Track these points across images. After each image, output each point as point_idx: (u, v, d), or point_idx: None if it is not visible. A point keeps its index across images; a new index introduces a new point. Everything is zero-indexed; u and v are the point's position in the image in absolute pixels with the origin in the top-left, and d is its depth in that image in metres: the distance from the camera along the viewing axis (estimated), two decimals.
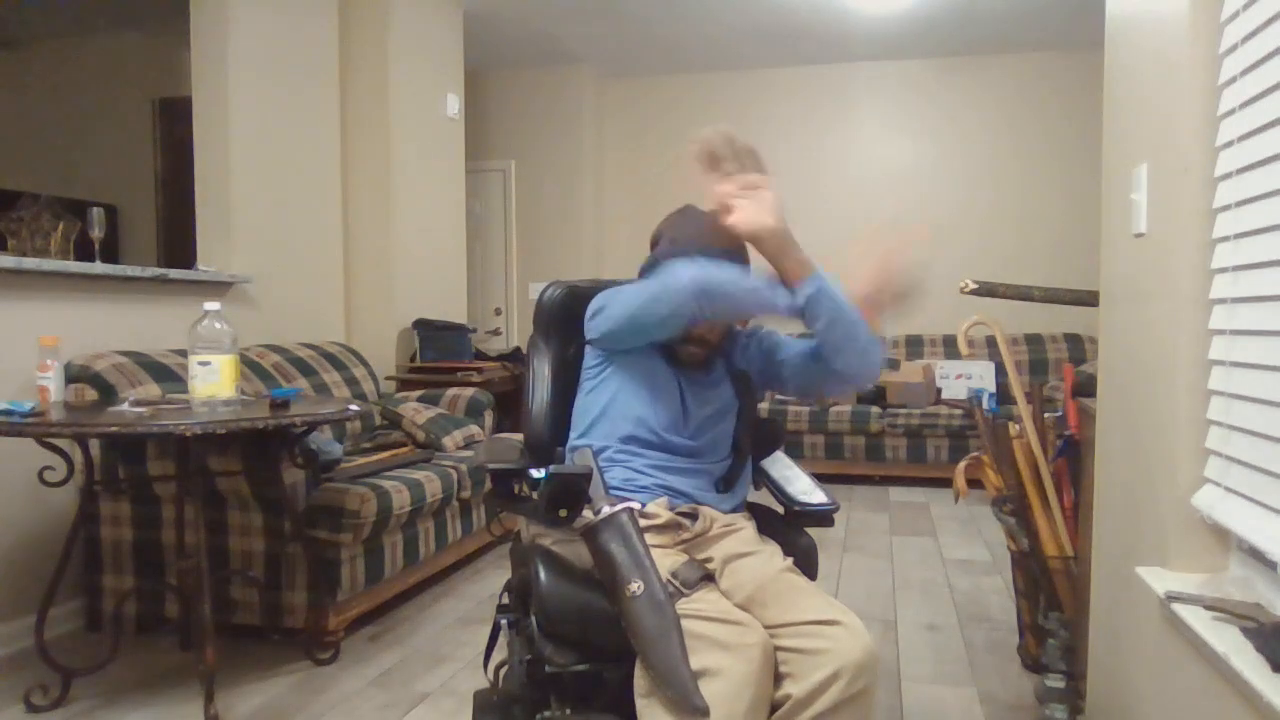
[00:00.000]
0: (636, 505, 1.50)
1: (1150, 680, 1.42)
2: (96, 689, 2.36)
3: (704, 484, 1.67)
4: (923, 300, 1.44)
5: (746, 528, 1.64)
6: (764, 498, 1.81)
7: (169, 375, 2.78)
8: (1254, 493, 1.18)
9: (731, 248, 1.54)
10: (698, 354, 1.68)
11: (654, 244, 1.72)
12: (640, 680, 1.32)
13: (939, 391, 5.45)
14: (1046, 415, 2.32)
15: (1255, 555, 1.22)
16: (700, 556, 1.53)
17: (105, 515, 2.75)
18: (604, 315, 1.61)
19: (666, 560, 1.45)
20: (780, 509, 1.78)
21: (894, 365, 5.76)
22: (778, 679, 1.33)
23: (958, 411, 5.15)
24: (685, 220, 1.69)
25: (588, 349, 1.73)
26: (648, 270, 1.65)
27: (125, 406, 2.29)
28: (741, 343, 1.79)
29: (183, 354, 2.52)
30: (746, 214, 1.41)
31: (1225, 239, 1.25)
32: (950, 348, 5.86)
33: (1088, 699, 1.86)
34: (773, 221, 1.41)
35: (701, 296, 1.44)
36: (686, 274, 1.44)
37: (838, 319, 1.47)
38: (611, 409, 1.66)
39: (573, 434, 1.73)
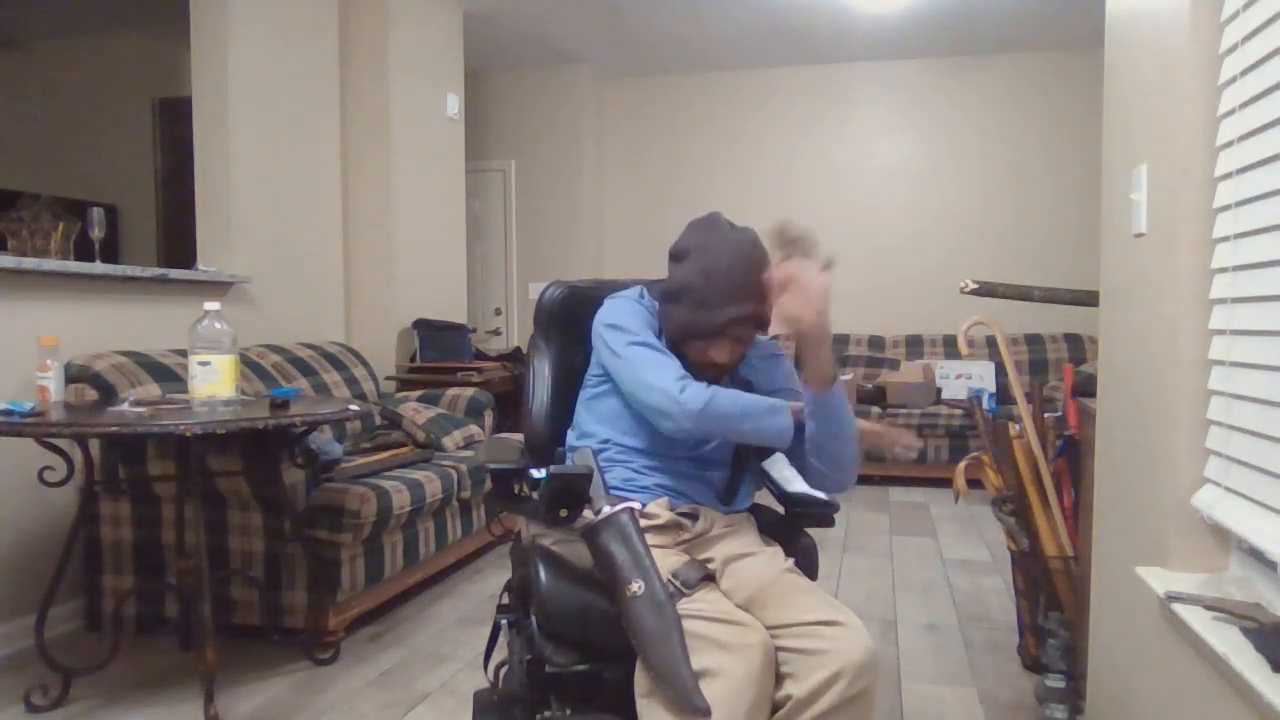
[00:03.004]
0: (637, 505, 1.49)
1: (1150, 680, 1.42)
2: (96, 689, 2.36)
3: (705, 491, 1.66)
4: (827, 335, 1.48)
5: (747, 528, 1.64)
6: (764, 498, 1.81)
7: (169, 375, 2.78)
8: (1254, 493, 1.18)
9: (758, 308, 1.56)
10: (713, 378, 1.61)
11: (676, 256, 1.63)
12: (641, 680, 1.32)
13: (939, 391, 5.45)
14: (1046, 415, 2.32)
15: (1255, 555, 1.22)
16: (701, 557, 1.53)
17: (105, 515, 2.75)
18: (613, 361, 1.58)
19: (667, 560, 1.45)
20: (780, 509, 1.78)
21: (894, 365, 5.77)
22: (778, 679, 1.33)
23: (958, 411, 5.15)
24: (712, 244, 1.60)
25: (594, 352, 1.72)
26: (678, 295, 1.59)
27: (125, 406, 2.29)
28: (758, 358, 1.76)
29: (183, 354, 2.52)
30: (794, 302, 1.44)
31: (1225, 239, 1.25)
32: (950, 348, 5.86)
33: (1088, 699, 1.86)
34: (814, 318, 1.43)
35: (706, 422, 1.48)
36: (699, 401, 1.47)
37: (834, 434, 1.51)
38: (612, 420, 1.65)
39: (572, 434, 1.73)
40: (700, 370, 1.59)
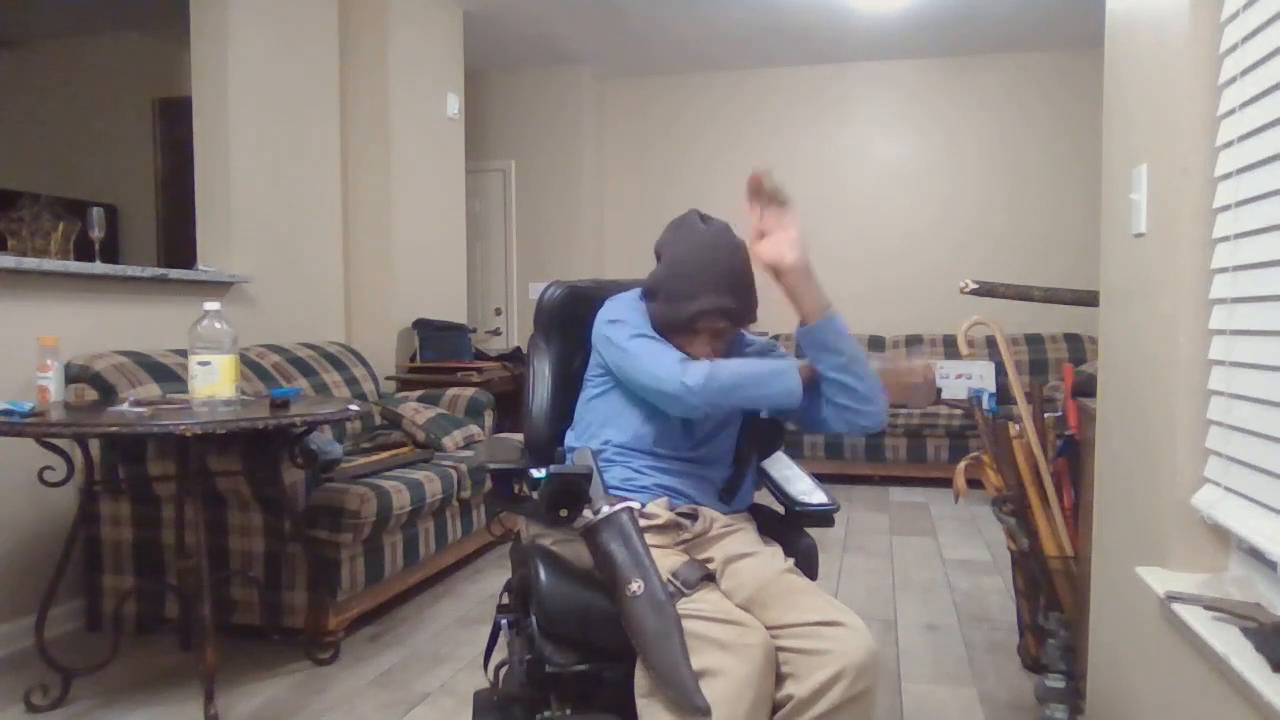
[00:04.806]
0: (636, 505, 1.50)
1: (1150, 680, 1.42)
2: (96, 689, 2.36)
3: (706, 490, 1.67)
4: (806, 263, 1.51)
5: (747, 528, 1.64)
6: (764, 498, 1.81)
7: (169, 375, 2.78)
8: (1254, 493, 1.18)
9: (740, 270, 1.60)
10: (710, 354, 1.63)
11: (656, 255, 1.69)
12: (641, 680, 1.32)
13: (939, 391, 5.44)
14: (1046, 415, 2.32)
15: (1255, 555, 1.22)
16: (701, 557, 1.53)
17: (105, 515, 2.75)
18: (617, 355, 1.59)
19: (667, 560, 1.45)
20: (781, 509, 1.78)
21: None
22: (779, 679, 1.33)
23: (958, 411, 5.15)
24: (684, 236, 1.66)
25: (593, 352, 1.72)
26: (654, 293, 1.64)
27: (125, 406, 2.29)
28: (743, 352, 1.77)
29: (183, 354, 2.52)
30: (775, 247, 1.49)
31: (1225, 239, 1.25)
32: (950, 348, 5.86)
33: (1088, 699, 1.86)
34: (793, 259, 1.48)
35: (712, 395, 1.49)
36: (700, 376, 1.48)
37: (844, 360, 1.52)
38: (613, 420, 1.65)
39: (572, 434, 1.73)
40: (700, 346, 1.63)
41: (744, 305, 1.62)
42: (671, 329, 1.61)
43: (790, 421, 1.72)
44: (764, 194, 1.50)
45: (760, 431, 1.81)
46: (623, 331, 1.60)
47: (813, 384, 1.55)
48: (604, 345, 1.64)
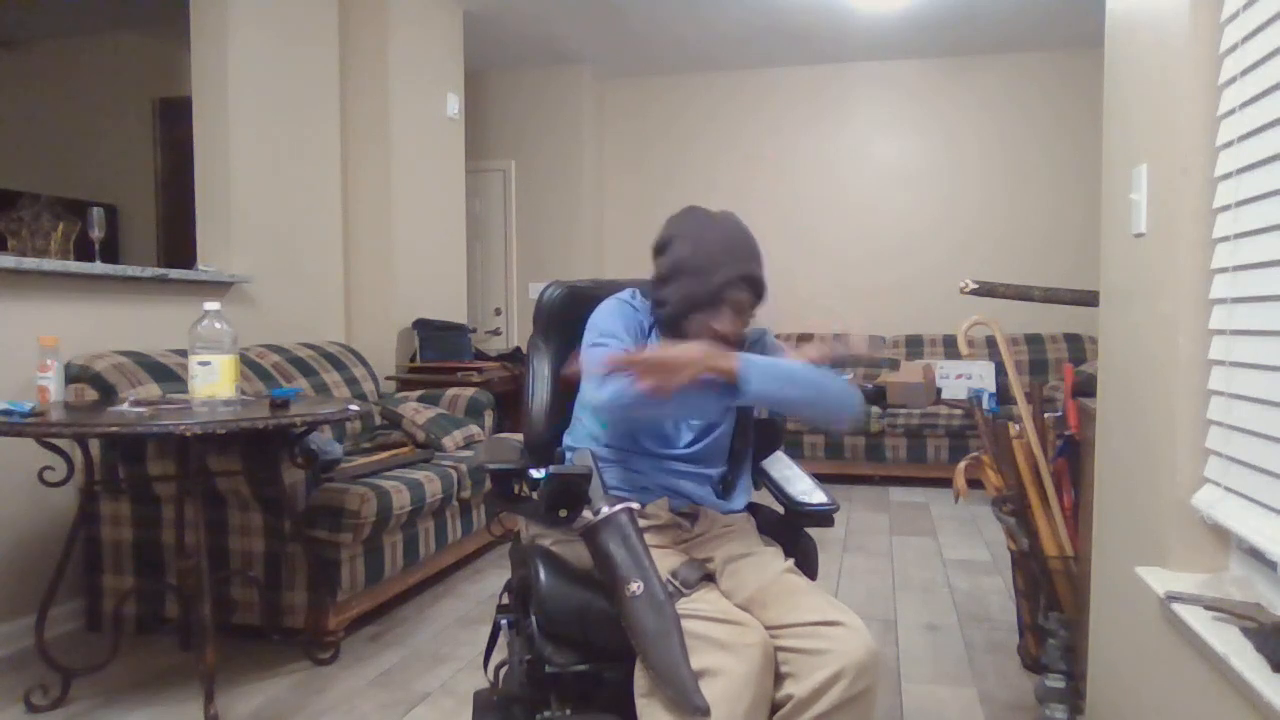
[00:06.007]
0: (636, 505, 1.50)
1: (1150, 680, 1.42)
2: (96, 689, 2.36)
3: (704, 487, 1.67)
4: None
5: (747, 528, 1.64)
6: (764, 498, 1.81)
7: (169, 375, 2.78)
8: (1254, 493, 1.18)
9: (757, 246, 1.62)
10: (733, 330, 1.61)
11: (659, 249, 1.66)
12: (640, 680, 1.32)
13: (939, 391, 5.44)
14: (1046, 415, 2.31)
15: (1255, 555, 1.22)
16: (700, 557, 1.53)
17: (105, 515, 2.75)
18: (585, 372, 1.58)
19: (666, 560, 1.45)
20: (781, 509, 1.78)
21: (894, 365, 5.77)
22: (779, 679, 1.33)
23: (958, 411, 5.15)
24: (693, 222, 1.64)
25: None
26: (673, 275, 1.61)
27: (125, 406, 2.29)
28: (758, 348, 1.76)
29: (183, 354, 2.52)
30: (665, 371, 1.40)
31: (1225, 239, 1.25)
32: (950, 348, 5.86)
33: (1088, 699, 1.86)
34: (689, 370, 1.40)
35: (616, 412, 1.49)
36: (606, 393, 1.45)
37: (780, 393, 1.51)
38: (608, 422, 1.65)
39: (569, 435, 1.73)
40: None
41: (763, 281, 1.62)
42: (697, 305, 1.58)
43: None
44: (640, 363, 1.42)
45: (759, 431, 1.81)
46: (588, 337, 1.62)
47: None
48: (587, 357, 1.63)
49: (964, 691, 2.38)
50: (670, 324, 1.61)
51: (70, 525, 2.36)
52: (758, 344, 1.76)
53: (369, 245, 4.51)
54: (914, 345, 5.97)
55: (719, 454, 1.71)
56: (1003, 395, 4.79)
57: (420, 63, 4.70)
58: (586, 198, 6.47)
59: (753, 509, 1.78)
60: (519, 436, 1.87)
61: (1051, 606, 2.21)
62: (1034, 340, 5.74)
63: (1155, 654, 1.37)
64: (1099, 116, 1.80)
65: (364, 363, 3.93)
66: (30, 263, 2.72)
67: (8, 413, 2.10)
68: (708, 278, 1.56)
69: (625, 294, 1.72)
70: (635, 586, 1.34)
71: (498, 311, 6.56)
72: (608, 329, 1.61)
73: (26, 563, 2.72)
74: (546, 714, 1.45)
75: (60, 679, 2.29)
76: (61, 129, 5.64)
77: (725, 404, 1.53)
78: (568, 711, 1.45)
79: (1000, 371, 5.34)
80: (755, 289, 1.60)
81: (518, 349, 5.39)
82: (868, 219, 6.26)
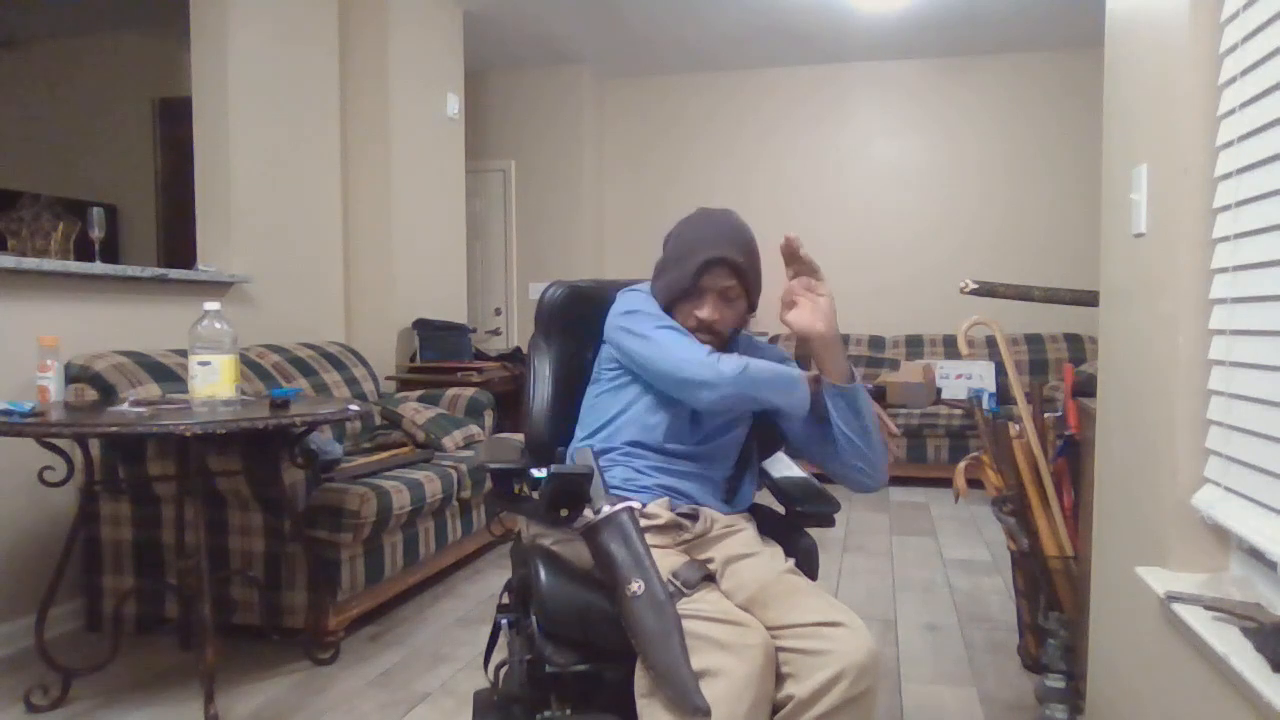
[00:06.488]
0: (637, 505, 1.50)
1: (1150, 680, 1.42)
2: (96, 689, 2.36)
3: (707, 489, 1.67)
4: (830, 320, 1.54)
5: (747, 529, 1.64)
6: (764, 498, 1.81)
7: (169, 375, 2.78)
8: (1254, 493, 1.18)
9: (743, 233, 1.65)
10: (710, 343, 1.63)
11: (666, 245, 1.71)
12: (641, 680, 1.32)
13: (939, 391, 5.44)
14: (1046, 415, 2.32)
15: (1255, 555, 1.22)
16: (701, 557, 1.53)
17: (105, 515, 2.75)
18: (639, 345, 1.60)
19: (667, 560, 1.45)
20: (781, 509, 1.78)
21: (894, 365, 5.77)
22: (779, 680, 1.33)
23: (958, 411, 5.15)
24: (689, 216, 1.70)
25: (605, 346, 1.72)
26: (659, 270, 1.68)
27: (125, 406, 2.29)
28: (744, 350, 1.77)
29: (183, 354, 2.52)
30: (804, 315, 1.52)
31: (1225, 239, 1.25)
32: (950, 348, 5.86)
33: (1088, 699, 1.86)
34: (823, 328, 1.51)
35: (743, 387, 1.52)
36: (737, 366, 1.51)
37: (862, 425, 1.56)
38: (624, 415, 1.65)
39: (580, 431, 1.73)
40: (699, 335, 1.64)
41: (750, 266, 1.62)
42: (676, 293, 1.62)
43: (792, 444, 1.74)
44: (797, 259, 1.52)
45: (761, 432, 1.81)
46: (645, 322, 1.61)
47: (818, 402, 1.58)
48: (622, 336, 1.63)
49: (964, 691, 2.38)
50: None
51: (70, 525, 2.36)
52: (758, 349, 1.76)
53: (369, 245, 4.51)
54: (914, 345, 5.97)
55: (729, 455, 1.71)
56: (1003, 395, 4.78)
57: (420, 63, 4.70)
58: (586, 198, 6.47)
59: (753, 509, 1.77)
60: (519, 436, 1.87)
61: (1051, 606, 2.21)
62: (1034, 340, 5.74)
63: (1155, 654, 1.37)
64: (1099, 116, 1.80)
65: (364, 363, 3.93)
66: (30, 263, 2.72)
67: (8, 413, 2.10)
68: (686, 261, 1.61)
69: (643, 287, 1.72)
70: (636, 586, 1.34)
71: (498, 311, 6.56)
72: (656, 312, 1.64)
73: (26, 563, 2.72)
74: (547, 714, 1.45)
75: (60, 679, 2.29)
76: (61, 129, 5.63)
77: (808, 403, 1.58)
78: (568, 711, 1.45)
79: (1000, 371, 5.31)
80: (737, 271, 1.61)
81: (518, 349, 5.39)
82: (868, 219, 6.26)
